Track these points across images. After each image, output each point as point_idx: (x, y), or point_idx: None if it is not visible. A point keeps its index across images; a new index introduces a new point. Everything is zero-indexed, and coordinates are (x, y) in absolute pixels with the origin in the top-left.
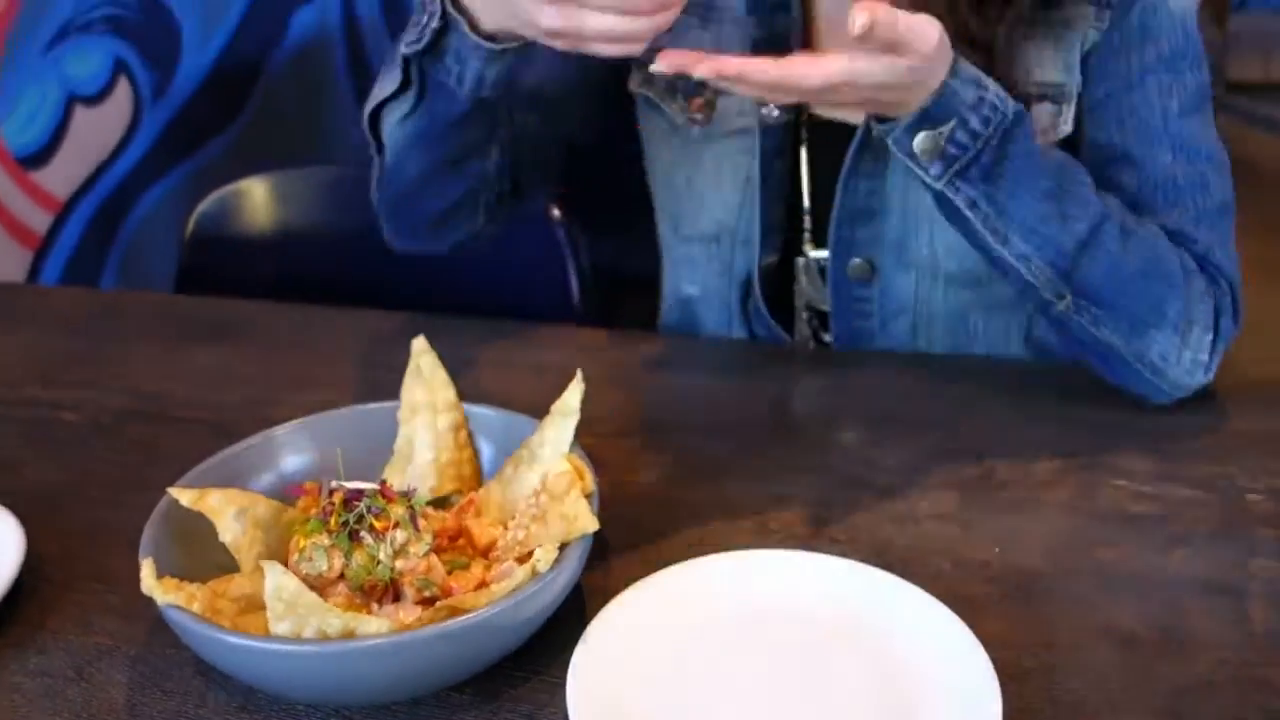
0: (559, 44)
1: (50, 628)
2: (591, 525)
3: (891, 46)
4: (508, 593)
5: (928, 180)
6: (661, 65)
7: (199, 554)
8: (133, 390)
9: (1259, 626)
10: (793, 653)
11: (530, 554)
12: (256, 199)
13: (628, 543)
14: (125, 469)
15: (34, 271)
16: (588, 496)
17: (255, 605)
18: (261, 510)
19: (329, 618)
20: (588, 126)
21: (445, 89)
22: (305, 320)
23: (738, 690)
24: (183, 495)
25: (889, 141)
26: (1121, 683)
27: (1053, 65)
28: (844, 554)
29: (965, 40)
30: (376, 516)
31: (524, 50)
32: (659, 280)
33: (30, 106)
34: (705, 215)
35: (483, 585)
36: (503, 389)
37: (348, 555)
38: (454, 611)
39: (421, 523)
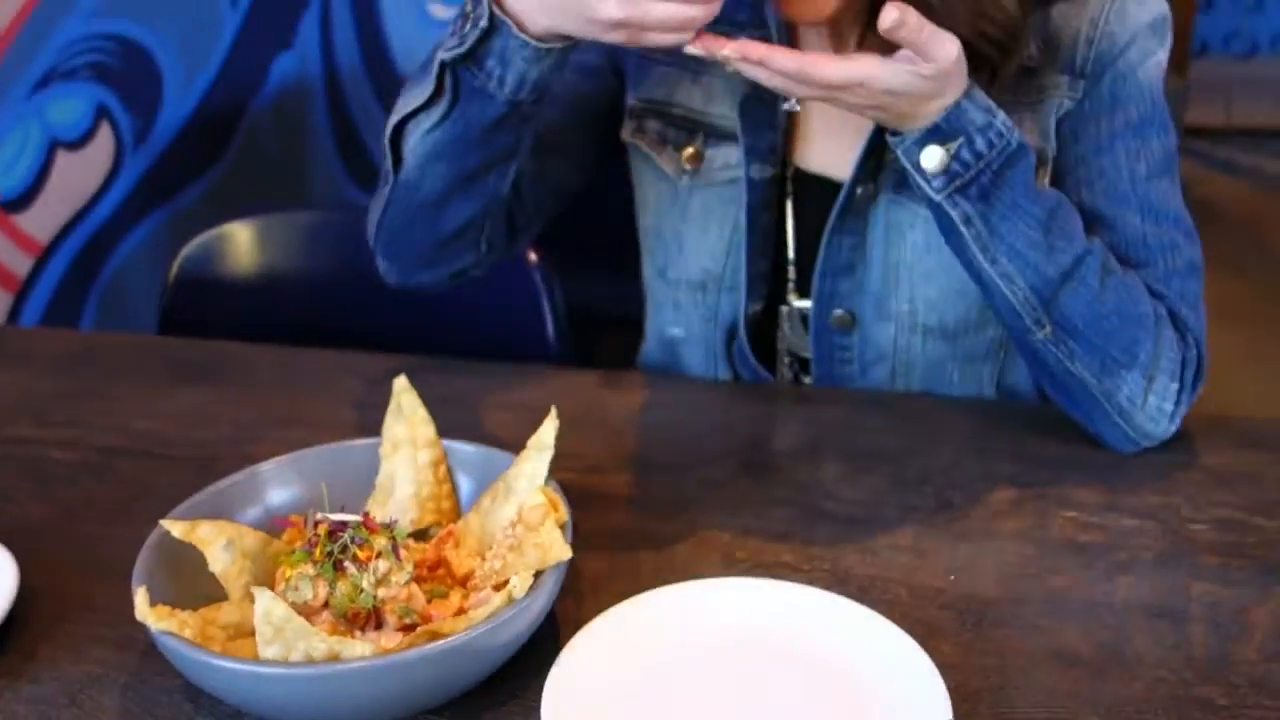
0: (617, 36)
1: (43, 657)
2: (565, 554)
3: (914, 49)
4: (485, 617)
5: (929, 192)
6: (694, 47)
7: (188, 584)
8: (120, 429)
9: (1198, 648)
10: (757, 675)
11: (507, 582)
12: (240, 243)
13: (600, 573)
14: (114, 504)
15: (14, 314)
16: (562, 527)
17: (243, 632)
18: (249, 542)
19: (315, 641)
20: (582, 173)
21: (483, 94)
22: (288, 361)
23: (705, 710)
24: (174, 527)
25: (898, 152)
26: (1066, 702)
27: (1030, 130)
28: (807, 582)
29: None
30: (360, 547)
31: (565, 53)
32: (637, 319)
33: (12, 151)
34: (692, 262)
35: (461, 612)
36: (480, 426)
37: (332, 584)
38: (434, 636)
39: (403, 553)
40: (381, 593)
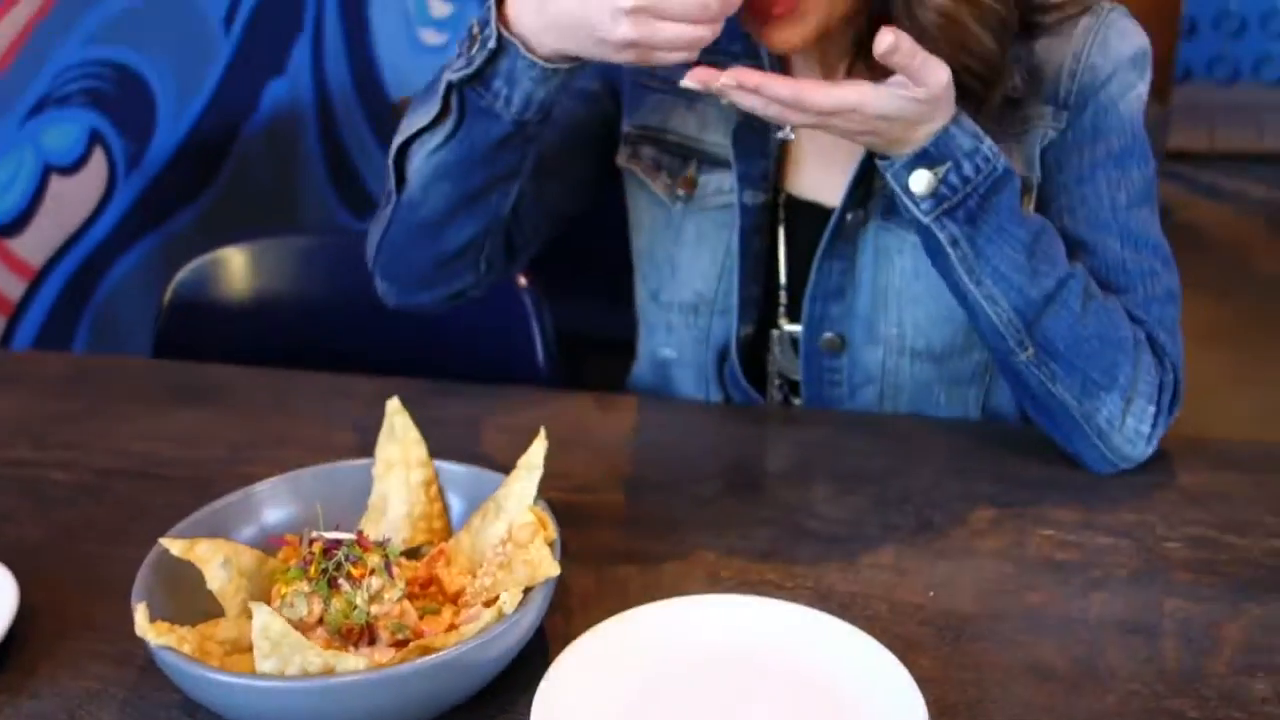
0: (627, 56)
1: (43, 673)
2: (554, 570)
3: (907, 74)
4: (476, 632)
5: (918, 214)
6: (690, 81)
7: (186, 601)
8: (117, 450)
9: (1170, 662)
10: (741, 689)
11: (497, 598)
12: (233, 267)
13: (588, 590)
14: (112, 524)
15: (6, 337)
16: (550, 544)
17: (240, 648)
18: (246, 559)
19: (311, 655)
20: (579, 197)
21: (489, 114)
22: (282, 383)
23: None
24: (173, 545)
25: (888, 176)
26: (1041, 715)
27: (1016, 159)
28: (790, 599)
29: None
30: (354, 564)
31: (571, 74)
32: (625, 342)
33: (7, 176)
34: (685, 286)
35: (453, 628)
36: (471, 447)
37: (326, 601)
38: (426, 651)
39: (395, 570)
40: (375, 609)
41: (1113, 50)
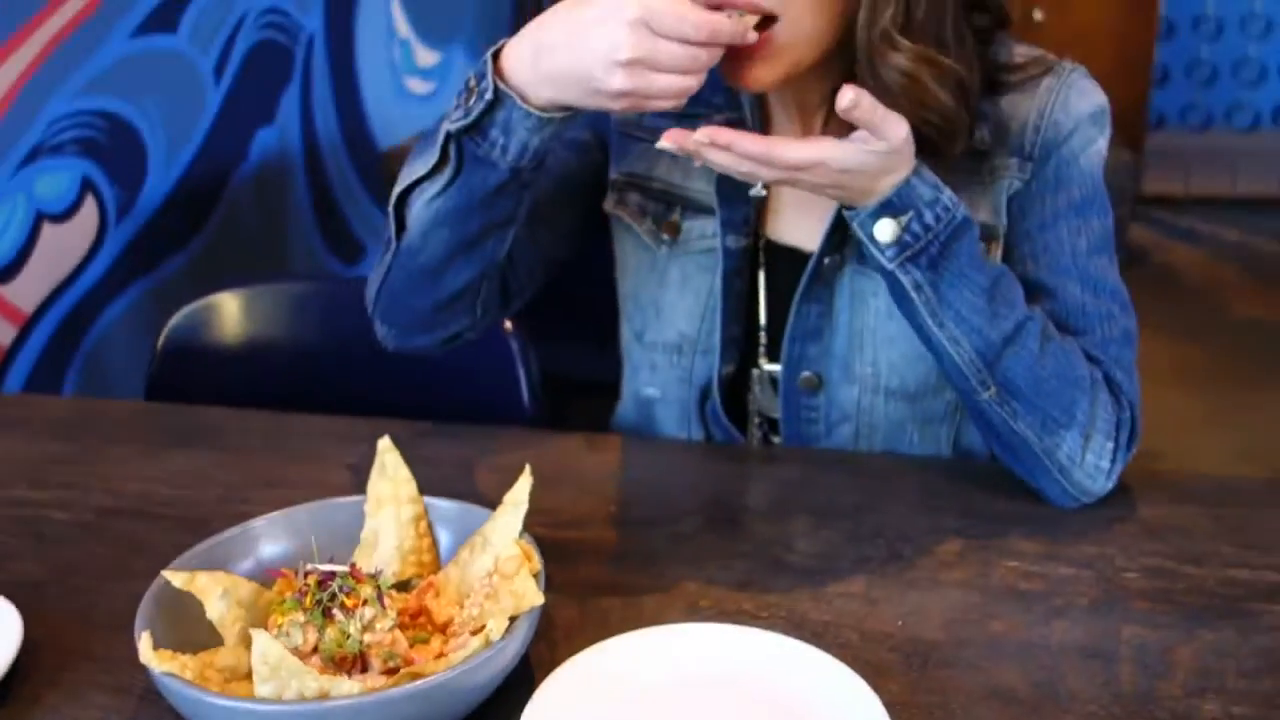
0: (620, 105)
1: (47, 703)
2: (538, 599)
3: (868, 129)
4: (464, 658)
5: (882, 261)
6: (666, 143)
7: (185, 631)
8: (114, 490)
9: (1126, 686)
10: (718, 714)
11: (484, 627)
12: (225, 313)
13: (572, 621)
14: (110, 561)
15: None
16: (535, 575)
17: (238, 675)
18: (244, 591)
19: (308, 680)
20: (569, 243)
21: (486, 162)
22: (275, 426)
23: None
24: (175, 578)
25: (855, 225)
26: None
27: (984, 208)
28: (765, 627)
29: None
30: (347, 595)
31: (564, 122)
32: (607, 383)
33: None
34: (669, 326)
35: (441, 656)
36: (459, 485)
37: (321, 630)
38: (416, 677)
39: (387, 600)
40: (367, 638)
41: (1074, 108)
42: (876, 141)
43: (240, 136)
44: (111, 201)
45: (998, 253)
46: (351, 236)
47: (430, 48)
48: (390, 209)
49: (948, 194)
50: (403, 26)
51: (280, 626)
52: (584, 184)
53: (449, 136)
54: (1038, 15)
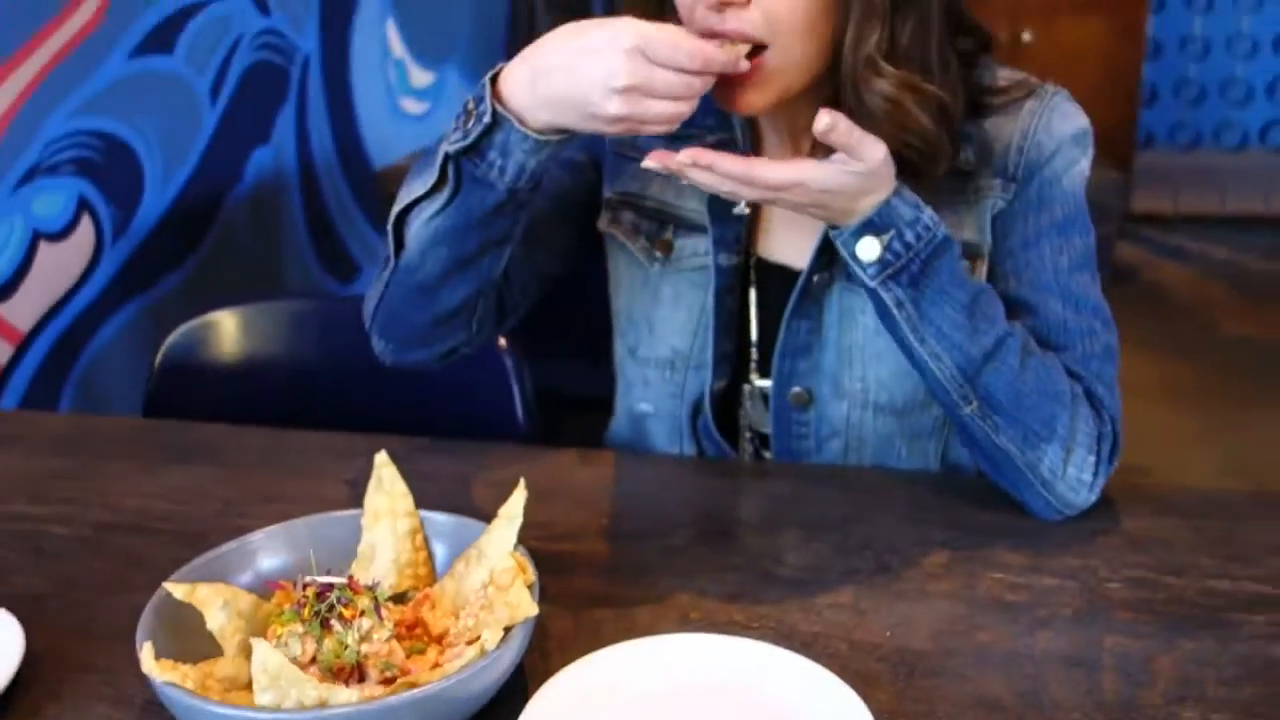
0: (617, 129)
1: (48, 714)
2: (532, 610)
3: (846, 151)
4: (460, 668)
5: (865, 279)
6: (652, 162)
7: (185, 642)
8: (113, 506)
9: (1109, 694)
10: None
11: (479, 638)
12: (224, 331)
13: (565, 632)
14: (109, 575)
15: None
16: (529, 587)
17: (238, 685)
18: (243, 603)
19: (307, 688)
20: (564, 260)
21: (483, 183)
22: (272, 442)
23: None
24: (176, 589)
25: (838, 244)
26: None
27: (969, 227)
28: (756, 638)
29: None
30: (345, 606)
31: (561, 144)
32: (600, 399)
33: None
34: (662, 343)
35: (437, 667)
36: (455, 499)
37: (319, 641)
38: (412, 686)
39: (384, 611)
40: (365, 648)
41: (1056, 130)
42: (855, 163)
43: (236, 156)
44: (108, 221)
45: (982, 271)
46: (346, 255)
47: (425, 68)
48: (389, 227)
49: (928, 213)
50: (398, 47)
51: (279, 637)
52: (579, 203)
53: (448, 157)
54: (1026, 36)
